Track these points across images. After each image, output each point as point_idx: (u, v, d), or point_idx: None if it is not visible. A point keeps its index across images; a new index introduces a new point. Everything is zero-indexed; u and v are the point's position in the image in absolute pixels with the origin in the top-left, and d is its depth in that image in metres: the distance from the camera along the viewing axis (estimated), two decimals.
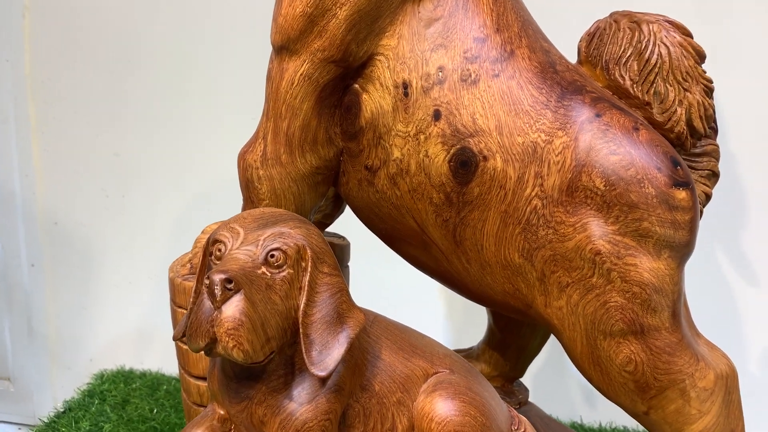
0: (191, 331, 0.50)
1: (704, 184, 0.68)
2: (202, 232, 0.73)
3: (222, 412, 0.59)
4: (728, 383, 0.64)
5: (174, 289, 0.69)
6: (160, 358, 1.47)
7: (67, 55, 1.45)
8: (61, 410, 1.28)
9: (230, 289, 0.49)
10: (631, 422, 1.16)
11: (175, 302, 0.70)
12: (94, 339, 1.59)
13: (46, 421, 1.24)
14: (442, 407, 0.59)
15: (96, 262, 1.59)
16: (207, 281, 0.49)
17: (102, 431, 1.20)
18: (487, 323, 0.86)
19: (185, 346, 0.70)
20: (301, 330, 0.53)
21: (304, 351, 0.52)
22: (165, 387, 1.35)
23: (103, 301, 1.58)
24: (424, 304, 1.11)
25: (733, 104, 1.04)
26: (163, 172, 1.49)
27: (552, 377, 1.22)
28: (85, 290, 1.60)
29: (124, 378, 1.40)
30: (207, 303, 0.50)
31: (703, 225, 0.68)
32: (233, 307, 0.49)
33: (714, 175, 0.68)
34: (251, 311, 0.49)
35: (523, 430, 0.66)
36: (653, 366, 0.61)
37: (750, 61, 1.07)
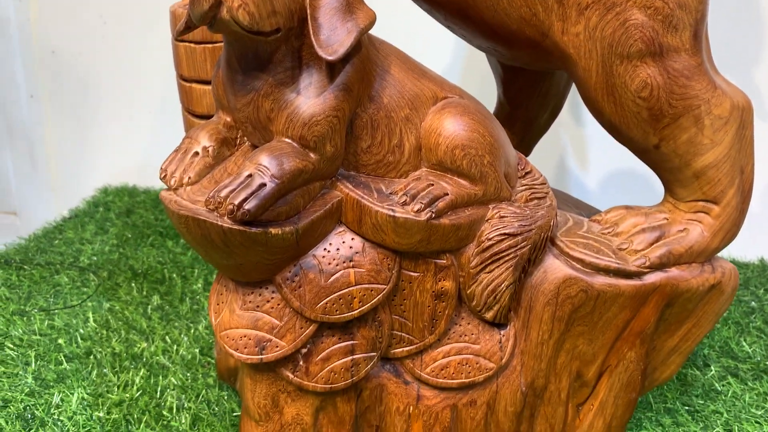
0: None
1: None
2: None
3: (228, 119, 0.58)
4: (743, 116, 0.62)
5: (175, 21, 0.67)
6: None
7: None
8: (68, 217, 1.29)
9: None
10: None
11: (177, 37, 0.68)
12: (96, 170, 1.58)
13: (54, 224, 1.25)
14: (451, 123, 0.58)
15: (95, 92, 1.56)
16: None
17: (108, 234, 1.21)
18: (496, 99, 0.84)
19: (188, 84, 0.69)
20: (308, 12, 0.51)
21: (312, 34, 0.51)
22: None
23: (104, 132, 1.56)
24: None
25: None
26: None
27: None
28: (85, 122, 1.58)
29: (128, 192, 1.40)
30: None
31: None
32: None
33: None
34: None
35: (530, 169, 0.66)
36: (669, 90, 0.59)
37: None
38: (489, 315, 0.62)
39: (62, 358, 0.86)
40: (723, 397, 0.85)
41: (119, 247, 1.16)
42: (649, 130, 0.61)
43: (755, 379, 0.89)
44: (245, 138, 0.58)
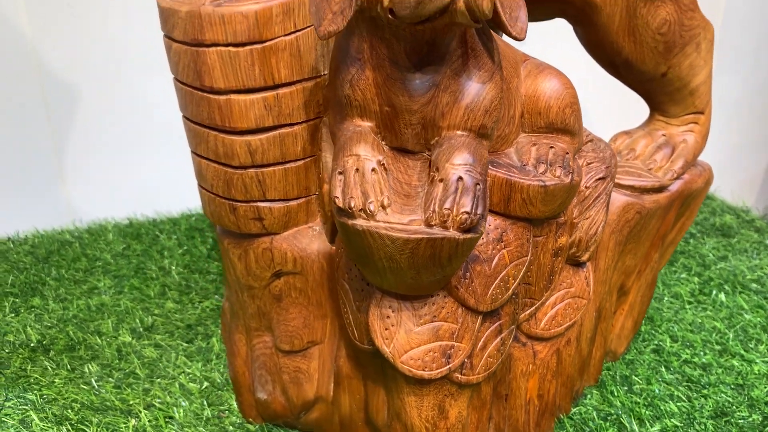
0: None
1: None
2: None
3: (371, 124, 0.50)
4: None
5: (164, 17, 0.52)
6: None
7: None
8: None
9: None
10: None
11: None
12: None
13: None
14: (554, 84, 0.59)
15: None
16: None
17: None
18: None
19: (223, 97, 0.56)
20: None
21: (502, 14, 0.46)
22: None
23: None
24: None
25: None
26: None
27: None
28: None
29: None
30: None
31: None
32: None
33: None
34: None
35: None
36: (680, 23, 0.68)
37: None
38: (586, 256, 0.67)
39: None
40: None
41: None
42: (661, 61, 0.70)
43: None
44: (384, 142, 0.51)
